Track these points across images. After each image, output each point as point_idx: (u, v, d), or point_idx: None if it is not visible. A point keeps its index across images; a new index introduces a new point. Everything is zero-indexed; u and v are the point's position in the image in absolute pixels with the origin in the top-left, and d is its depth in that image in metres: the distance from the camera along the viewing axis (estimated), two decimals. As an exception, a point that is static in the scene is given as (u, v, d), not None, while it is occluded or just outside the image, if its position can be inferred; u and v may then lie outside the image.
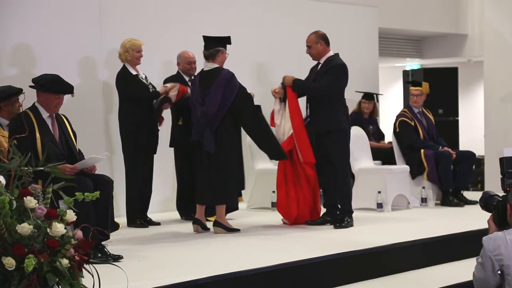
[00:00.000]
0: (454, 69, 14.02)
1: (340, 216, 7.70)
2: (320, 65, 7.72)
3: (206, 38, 7.42)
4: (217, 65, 7.34)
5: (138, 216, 7.86)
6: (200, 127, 7.27)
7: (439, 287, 5.92)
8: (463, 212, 8.99)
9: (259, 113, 7.48)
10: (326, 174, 7.79)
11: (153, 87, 7.93)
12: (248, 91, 7.48)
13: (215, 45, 7.36)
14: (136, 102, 7.77)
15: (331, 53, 7.72)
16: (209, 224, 7.49)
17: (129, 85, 7.78)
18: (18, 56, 8.01)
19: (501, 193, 4.09)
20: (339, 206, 7.80)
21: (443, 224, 7.86)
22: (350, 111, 10.17)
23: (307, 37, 7.76)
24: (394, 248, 6.59)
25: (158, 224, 7.97)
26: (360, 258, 6.27)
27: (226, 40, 7.46)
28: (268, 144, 7.56)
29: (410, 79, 12.90)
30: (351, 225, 7.65)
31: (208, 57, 7.36)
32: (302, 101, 7.90)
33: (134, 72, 7.83)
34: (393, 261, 6.49)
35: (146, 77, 7.95)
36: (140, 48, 7.86)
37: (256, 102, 9.98)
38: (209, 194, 7.34)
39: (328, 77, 7.57)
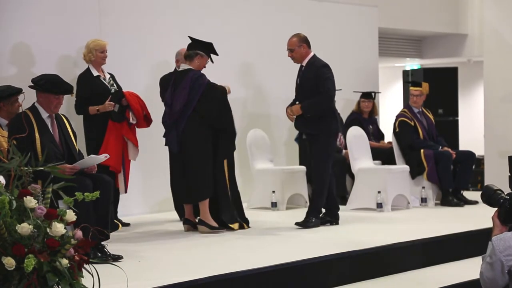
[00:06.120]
0: (454, 69, 14.01)
1: (306, 214, 7.62)
2: (303, 67, 7.68)
3: (190, 39, 7.44)
4: (190, 67, 7.37)
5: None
6: (167, 127, 7.41)
7: (439, 287, 5.93)
8: (463, 212, 8.99)
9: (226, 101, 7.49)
10: None
11: (119, 87, 7.76)
12: (225, 85, 7.55)
13: (197, 48, 7.38)
14: (93, 102, 7.58)
15: (311, 54, 7.68)
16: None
17: (85, 86, 7.60)
18: (17, 56, 8.00)
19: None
20: (337, 206, 7.82)
21: (443, 224, 7.85)
22: (350, 110, 10.20)
23: (289, 40, 7.66)
24: (394, 248, 6.58)
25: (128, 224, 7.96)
26: (360, 258, 6.26)
27: (209, 47, 7.45)
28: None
29: (410, 79, 12.90)
30: (316, 225, 7.56)
31: (186, 57, 7.42)
32: (293, 97, 7.89)
33: (95, 73, 7.72)
34: (393, 261, 6.49)
35: (111, 77, 7.81)
36: (104, 49, 7.73)
37: (252, 103, 9.90)
38: (188, 193, 7.39)
39: (321, 83, 7.51)
